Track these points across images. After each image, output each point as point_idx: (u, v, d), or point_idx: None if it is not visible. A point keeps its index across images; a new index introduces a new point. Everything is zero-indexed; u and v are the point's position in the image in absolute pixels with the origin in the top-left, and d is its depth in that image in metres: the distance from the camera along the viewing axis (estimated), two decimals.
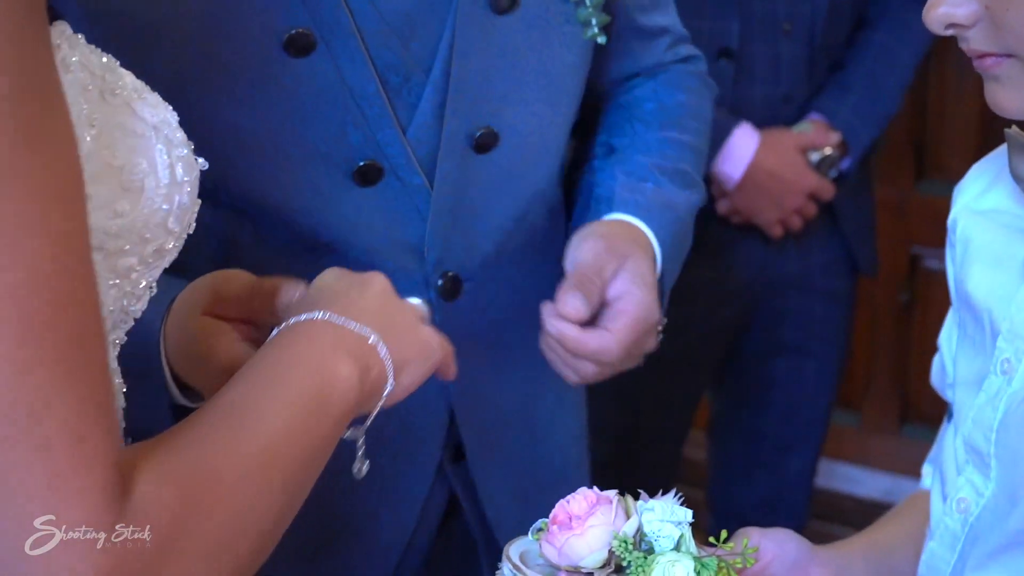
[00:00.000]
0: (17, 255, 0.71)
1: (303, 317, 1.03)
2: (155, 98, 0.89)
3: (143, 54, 1.08)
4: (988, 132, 3.74)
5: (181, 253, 0.93)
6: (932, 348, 4.41)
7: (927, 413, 3.96)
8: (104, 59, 0.87)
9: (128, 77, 0.88)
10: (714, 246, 2.63)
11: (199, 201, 0.93)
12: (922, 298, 3.90)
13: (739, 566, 1.20)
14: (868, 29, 2.67)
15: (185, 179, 0.89)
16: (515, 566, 1.19)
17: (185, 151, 0.90)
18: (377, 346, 1.04)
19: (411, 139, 1.33)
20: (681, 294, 2.62)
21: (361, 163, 1.31)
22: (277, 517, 0.91)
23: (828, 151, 2.62)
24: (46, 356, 0.72)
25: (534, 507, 1.46)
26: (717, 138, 2.54)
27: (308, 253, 1.34)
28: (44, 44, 0.74)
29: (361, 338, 1.04)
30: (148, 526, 0.77)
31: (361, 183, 1.32)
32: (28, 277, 0.71)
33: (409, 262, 1.36)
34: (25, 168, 0.71)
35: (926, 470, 1.42)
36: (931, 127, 3.81)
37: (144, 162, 0.85)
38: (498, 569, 1.23)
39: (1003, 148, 1.27)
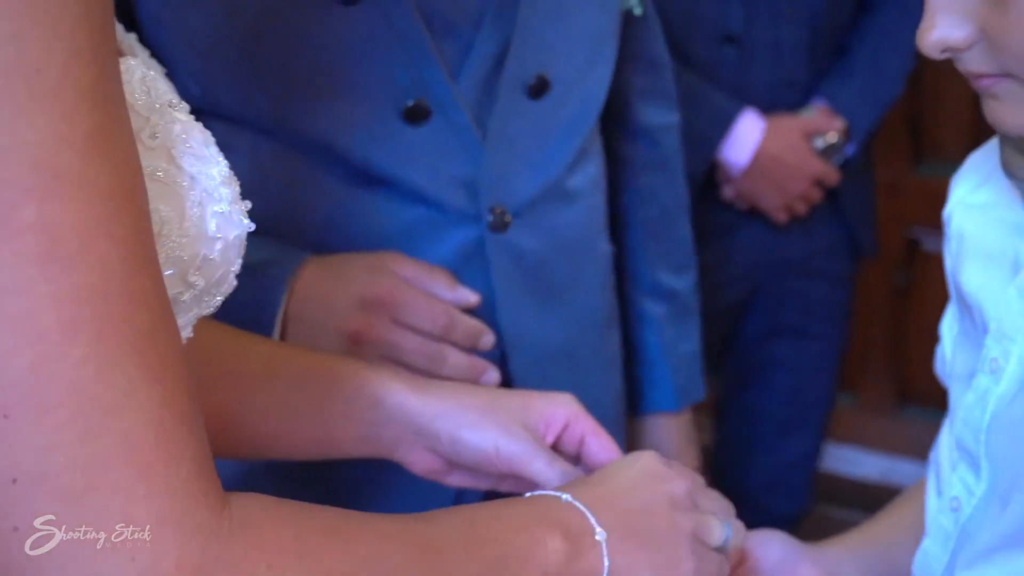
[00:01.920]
0: (88, 257, 0.72)
1: (546, 492, 1.04)
2: (205, 150, 0.88)
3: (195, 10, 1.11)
4: (982, 112, 3.75)
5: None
6: (929, 329, 4.40)
7: (925, 394, 3.98)
8: (154, 100, 0.86)
9: (179, 124, 0.86)
10: (718, 230, 2.66)
11: (238, 261, 0.90)
12: (919, 280, 3.93)
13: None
14: (870, 13, 2.69)
15: (218, 235, 0.87)
16: None
17: (226, 208, 0.88)
18: (601, 544, 1.02)
19: (462, 82, 1.39)
20: None
21: (410, 103, 1.36)
22: None
23: (833, 137, 2.64)
24: (122, 353, 0.73)
25: None
26: (722, 124, 2.57)
27: (363, 187, 1.39)
28: (107, 44, 0.75)
29: (588, 529, 1.01)
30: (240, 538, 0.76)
31: (410, 121, 1.37)
32: (100, 278, 0.72)
33: (460, 198, 1.41)
34: (91, 173, 0.72)
35: (929, 460, 1.43)
36: (927, 108, 3.83)
37: (164, 208, 0.84)
38: None
39: (996, 142, 1.28)
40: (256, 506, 0.80)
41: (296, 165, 1.40)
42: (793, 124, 2.62)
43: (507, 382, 1.50)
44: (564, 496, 1.03)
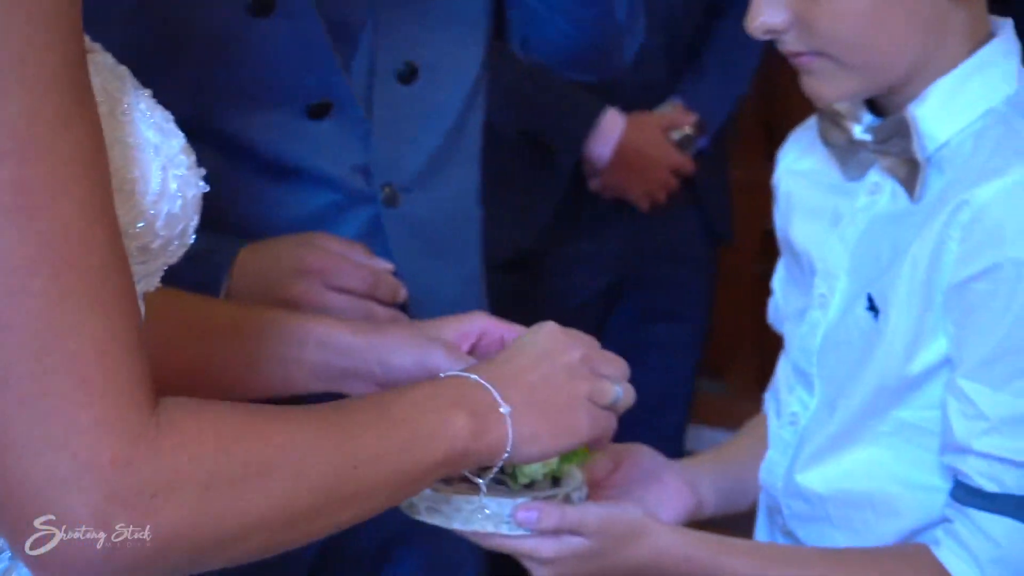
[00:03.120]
0: (51, 210, 0.88)
1: (458, 372, 1.18)
2: (166, 125, 1.04)
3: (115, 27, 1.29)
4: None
5: None
6: None
7: None
8: (119, 82, 1.03)
9: (144, 103, 1.03)
10: (588, 221, 2.87)
11: (196, 216, 1.06)
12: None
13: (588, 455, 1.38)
14: (720, 18, 2.91)
15: (178, 193, 1.03)
16: None
17: (184, 171, 1.04)
18: (505, 417, 1.17)
19: (353, 76, 1.57)
20: (559, 267, 2.87)
21: (315, 102, 1.55)
22: (306, 521, 1.00)
23: (687, 130, 2.87)
24: (74, 288, 0.88)
25: None
26: (588, 121, 2.79)
27: (274, 180, 1.57)
28: (79, 38, 0.92)
29: (494, 405, 1.16)
30: (168, 444, 0.90)
31: (313, 117, 1.55)
32: (59, 227, 0.88)
33: (358, 181, 1.59)
34: (58, 145, 0.89)
35: (767, 396, 1.64)
36: (779, 112, 4.06)
37: (136, 172, 1.00)
38: None
39: (814, 119, 1.50)
40: (180, 408, 0.93)
41: (217, 162, 1.55)
42: (651, 119, 2.84)
43: None
44: (472, 376, 1.17)
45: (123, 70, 1.04)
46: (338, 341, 1.36)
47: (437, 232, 1.67)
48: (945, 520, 1.30)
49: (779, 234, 1.53)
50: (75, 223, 0.89)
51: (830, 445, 1.37)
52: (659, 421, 2.99)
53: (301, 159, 1.56)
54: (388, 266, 1.52)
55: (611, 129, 2.79)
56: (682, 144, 2.86)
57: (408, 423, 1.08)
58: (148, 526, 0.89)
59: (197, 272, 1.28)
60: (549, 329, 1.26)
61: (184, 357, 1.31)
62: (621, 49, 2.51)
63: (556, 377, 1.21)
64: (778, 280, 1.57)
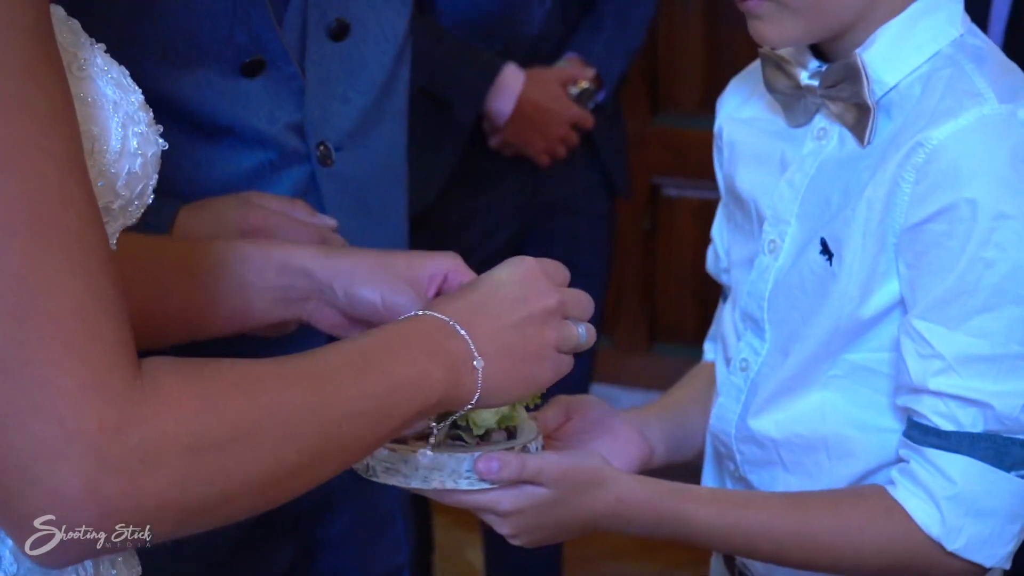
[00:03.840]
0: (24, 167, 0.84)
1: (432, 313, 1.14)
2: (124, 80, 1.01)
3: None
4: (712, 65, 4.05)
5: None
6: (674, 271, 4.67)
7: (672, 331, 4.27)
8: (74, 36, 0.99)
9: (101, 58, 1.00)
10: (488, 177, 2.86)
11: (155, 176, 1.03)
12: (664, 225, 4.20)
13: (530, 406, 1.37)
14: None
15: (139, 151, 1.00)
16: None
17: (144, 128, 1.01)
18: (478, 371, 1.14)
19: (286, 32, 1.55)
20: (460, 222, 2.86)
21: (247, 59, 1.51)
22: (291, 479, 0.98)
23: (585, 84, 2.86)
24: (52, 247, 0.85)
25: None
26: (487, 77, 2.77)
27: (208, 139, 1.53)
28: (46, 3, 0.88)
29: (468, 357, 1.13)
30: (154, 408, 0.87)
31: (247, 75, 1.52)
32: (34, 185, 0.85)
33: (292, 139, 1.57)
34: (29, 100, 0.85)
35: (708, 346, 1.65)
36: (662, 64, 4.10)
37: (95, 129, 0.97)
38: None
39: (754, 66, 1.51)
40: (164, 370, 0.91)
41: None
42: (550, 74, 2.83)
43: None
44: (449, 321, 1.14)
45: (75, 23, 1.00)
46: (300, 263, 1.34)
47: (368, 190, 1.66)
48: (900, 461, 1.32)
49: (722, 182, 1.53)
50: (52, 179, 0.86)
51: (783, 390, 1.38)
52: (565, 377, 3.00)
53: (235, 118, 1.53)
54: (332, 222, 1.50)
55: (510, 85, 2.78)
56: (581, 98, 2.86)
57: (388, 376, 1.06)
58: (136, 495, 0.86)
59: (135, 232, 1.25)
60: (527, 268, 1.22)
61: (141, 299, 1.25)
62: (531, 18, 2.53)
63: (529, 326, 1.19)
64: (717, 229, 1.57)
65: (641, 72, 3.95)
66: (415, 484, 1.29)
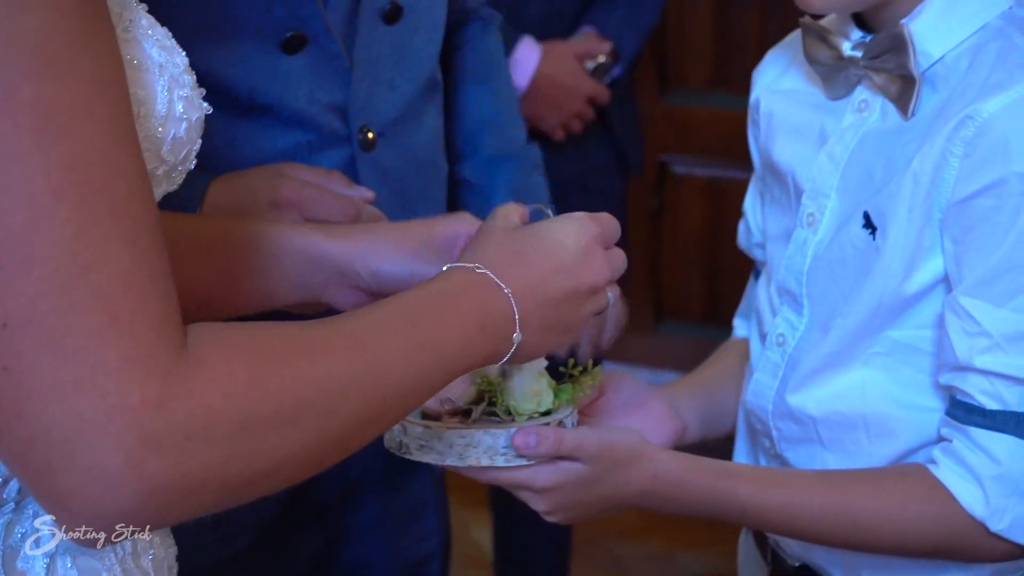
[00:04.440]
0: (74, 131, 0.81)
1: (484, 271, 1.08)
2: (168, 42, 0.98)
3: None
4: (721, 43, 4.02)
5: None
6: (680, 250, 4.65)
7: (678, 310, 4.24)
8: None
9: (146, 19, 0.97)
10: None
11: (199, 140, 1.01)
12: (670, 203, 4.18)
13: (589, 385, 1.37)
14: None
15: (184, 116, 0.97)
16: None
17: (188, 92, 0.98)
18: (515, 341, 1.09)
19: (330, 12, 1.51)
20: None
21: (288, 34, 1.48)
22: (333, 451, 0.96)
23: (601, 59, 2.83)
24: (100, 216, 0.82)
25: None
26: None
27: (246, 117, 1.51)
28: None
29: (511, 329, 1.08)
30: (198, 384, 0.84)
31: (288, 51, 1.49)
32: (83, 150, 0.81)
33: (334, 120, 1.54)
34: (79, 61, 0.82)
35: (737, 323, 1.63)
36: (671, 42, 4.07)
37: (141, 92, 0.94)
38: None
39: (793, 37, 1.48)
40: (210, 341, 0.88)
41: None
42: (566, 48, 2.80)
43: None
44: (499, 283, 1.07)
45: None
46: (319, 250, 1.30)
47: (406, 182, 1.63)
48: (942, 440, 1.29)
49: (756, 155, 1.50)
50: (100, 145, 0.83)
51: (823, 366, 1.36)
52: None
53: (273, 95, 1.50)
54: (369, 194, 1.46)
55: (526, 59, 2.75)
56: (597, 73, 2.83)
57: (435, 347, 1.02)
58: (180, 471, 0.83)
59: (164, 206, 1.22)
60: (589, 235, 1.15)
61: None
62: None
63: (574, 301, 1.14)
64: (750, 203, 1.55)
65: (650, 50, 3.91)
66: (450, 461, 1.27)
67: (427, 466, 1.35)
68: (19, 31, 0.80)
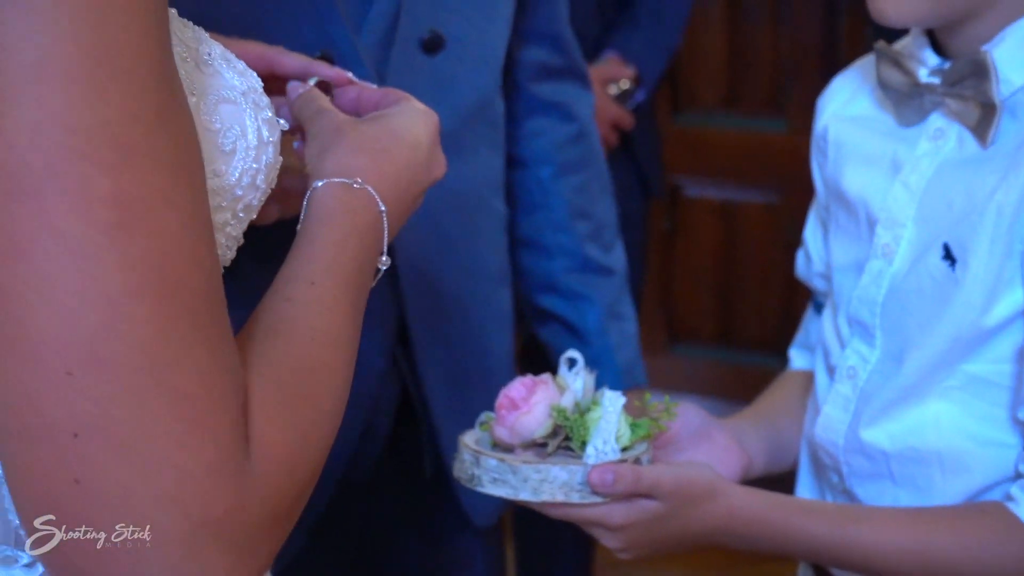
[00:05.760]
0: (152, 225, 0.75)
1: (344, 181, 1.04)
2: (242, 65, 0.94)
3: None
4: (734, 64, 4.01)
5: None
6: (692, 271, 4.62)
7: (692, 331, 4.22)
8: (191, 31, 0.92)
9: (217, 47, 0.93)
10: None
11: (281, 158, 0.97)
12: (683, 224, 4.16)
13: (666, 420, 1.36)
14: None
15: (270, 139, 0.94)
16: (475, 450, 1.30)
17: (269, 114, 0.95)
18: (383, 249, 1.07)
19: (363, 37, 1.48)
20: None
21: (316, 55, 1.43)
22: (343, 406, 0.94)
23: (625, 84, 2.81)
24: (179, 314, 0.76)
25: (467, 392, 1.60)
26: None
27: None
28: (166, 26, 0.79)
29: (380, 234, 1.05)
30: (265, 468, 0.80)
31: None
32: (162, 245, 0.76)
33: None
34: (157, 148, 0.77)
35: (794, 353, 1.59)
36: (684, 62, 4.05)
37: (237, 126, 0.90)
38: (455, 459, 1.34)
39: (860, 63, 1.45)
40: (255, 409, 0.82)
41: None
42: (591, 73, 2.76)
43: (404, 328, 1.57)
44: (380, 206, 1.04)
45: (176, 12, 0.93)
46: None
47: (443, 217, 1.58)
48: (1020, 476, 1.26)
49: (825, 183, 1.47)
50: (179, 237, 0.77)
51: (897, 399, 1.32)
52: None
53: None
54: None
55: None
56: (620, 98, 2.81)
57: (347, 288, 0.99)
58: (253, 558, 0.80)
59: None
60: (430, 122, 1.16)
61: None
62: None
63: (421, 195, 1.14)
64: (811, 232, 1.52)
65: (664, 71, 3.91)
66: (524, 496, 1.24)
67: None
68: (99, 124, 0.74)
